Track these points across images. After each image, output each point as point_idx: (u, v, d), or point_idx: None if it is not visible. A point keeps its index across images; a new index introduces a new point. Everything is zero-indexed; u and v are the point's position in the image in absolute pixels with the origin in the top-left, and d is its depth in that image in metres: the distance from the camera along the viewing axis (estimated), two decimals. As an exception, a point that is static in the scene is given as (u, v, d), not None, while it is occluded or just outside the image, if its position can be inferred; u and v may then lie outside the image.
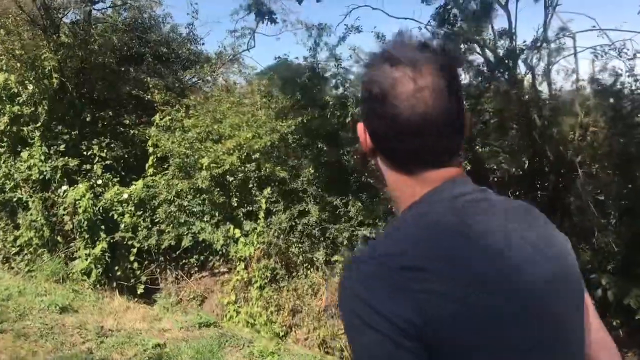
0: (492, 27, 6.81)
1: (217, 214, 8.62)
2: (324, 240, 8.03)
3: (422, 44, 1.03)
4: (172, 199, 8.60)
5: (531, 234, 1.04)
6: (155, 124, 8.96)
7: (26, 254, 7.89)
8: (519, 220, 1.06)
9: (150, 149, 8.99)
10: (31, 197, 8.17)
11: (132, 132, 9.50)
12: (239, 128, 8.43)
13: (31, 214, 8.12)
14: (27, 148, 8.63)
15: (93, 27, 9.93)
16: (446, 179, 1.05)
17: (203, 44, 11.16)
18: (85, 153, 9.19)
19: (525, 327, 0.96)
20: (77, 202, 8.29)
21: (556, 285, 1.02)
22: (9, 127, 8.51)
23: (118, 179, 9.35)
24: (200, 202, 8.62)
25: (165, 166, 9.37)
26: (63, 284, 7.44)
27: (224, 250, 8.47)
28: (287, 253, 8.13)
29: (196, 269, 9.12)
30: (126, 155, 9.64)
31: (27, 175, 8.33)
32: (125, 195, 8.65)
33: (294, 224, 8.10)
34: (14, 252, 7.93)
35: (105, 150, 9.25)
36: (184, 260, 8.98)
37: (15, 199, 8.24)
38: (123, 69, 9.87)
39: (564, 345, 1.02)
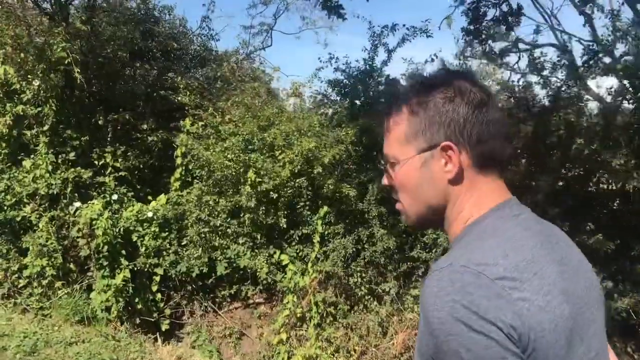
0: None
1: (259, 237, 7.38)
2: (394, 270, 6.92)
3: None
4: (206, 218, 7.29)
5: (572, 250, 1.20)
6: (185, 130, 7.63)
7: (36, 287, 6.38)
8: (562, 239, 1.20)
9: (179, 160, 7.65)
10: (40, 216, 6.69)
11: (150, 138, 8.13)
12: (290, 136, 7.22)
13: (39, 237, 6.64)
14: (32, 156, 7.14)
15: (102, 15, 8.52)
16: (505, 196, 1.19)
17: (218, 39, 9.75)
18: (96, 162, 7.77)
19: (593, 336, 1.09)
20: (93, 222, 6.87)
21: (595, 298, 1.14)
22: (9, 130, 7.01)
23: (132, 193, 7.95)
24: (238, 222, 7.35)
25: (189, 179, 8.08)
26: (91, 326, 6.02)
27: (269, 280, 7.22)
28: (347, 284, 6.98)
29: (228, 299, 7.82)
30: (141, 166, 8.24)
31: (33, 189, 6.84)
32: (150, 214, 7.30)
33: (355, 249, 6.96)
34: (21, 284, 6.40)
35: (119, 160, 7.85)
36: (220, 291, 7.64)
37: (19, 218, 6.74)
38: (138, 64, 8.48)
39: (604, 354, 1.14)
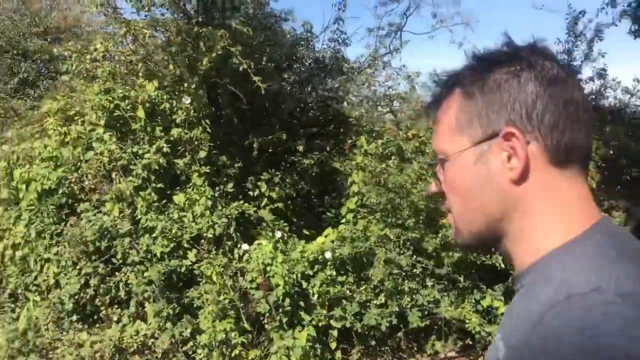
0: None
1: (462, 279, 5.96)
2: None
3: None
4: (396, 258, 5.91)
5: None
6: (362, 150, 6.27)
7: (219, 357, 5.01)
8: None
9: (356, 187, 6.28)
10: (212, 264, 5.35)
11: (306, 161, 6.80)
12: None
13: (207, 291, 5.29)
14: (184, 189, 5.84)
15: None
16: (596, 213, 0.83)
17: (349, 44, 8.45)
18: (251, 193, 6.46)
19: None
20: (267, 269, 5.53)
21: None
22: (160, 159, 5.72)
23: (287, 228, 6.60)
24: (436, 262, 5.97)
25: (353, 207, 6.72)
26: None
27: (482, 333, 5.77)
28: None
29: (417, 355, 6.40)
30: (294, 195, 6.91)
31: (196, 230, 5.54)
32: (328, 255, 5.93)
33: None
34: (201, 356, 5.02)
35: (276, 189, 6.53)
36: (405, 344, 6.24)
37: (183, 269, 5.41)
38: (286, 75, 7.20)
39: None
